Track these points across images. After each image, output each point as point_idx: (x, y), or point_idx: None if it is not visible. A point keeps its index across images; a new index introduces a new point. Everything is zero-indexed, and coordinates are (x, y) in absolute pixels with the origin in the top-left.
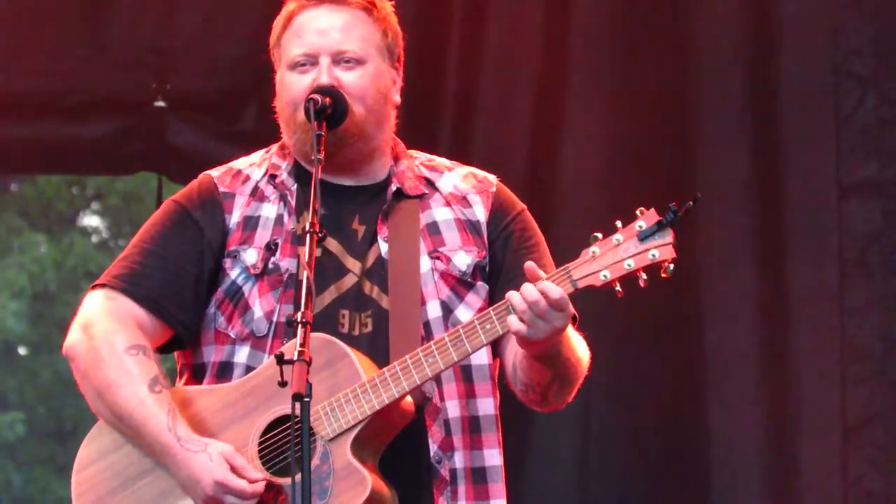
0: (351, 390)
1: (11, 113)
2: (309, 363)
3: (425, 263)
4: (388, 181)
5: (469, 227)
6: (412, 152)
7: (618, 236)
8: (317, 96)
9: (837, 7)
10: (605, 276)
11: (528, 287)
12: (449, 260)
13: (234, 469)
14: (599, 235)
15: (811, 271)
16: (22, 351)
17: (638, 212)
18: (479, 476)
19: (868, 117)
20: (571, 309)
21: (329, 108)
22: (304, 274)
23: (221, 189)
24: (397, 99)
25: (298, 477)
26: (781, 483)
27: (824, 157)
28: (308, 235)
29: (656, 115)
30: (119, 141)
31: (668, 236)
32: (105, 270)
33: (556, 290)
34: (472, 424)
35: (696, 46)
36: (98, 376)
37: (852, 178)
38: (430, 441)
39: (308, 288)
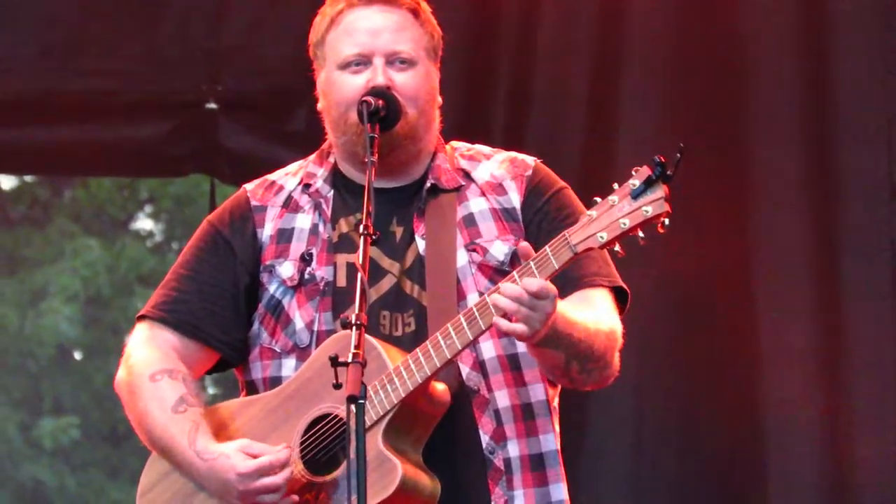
0: (379, 381)
1: (61, 115)
2: (364, 365)
3: (462, 257)
4: (424, 178)
5: (505, 215)
6: (454, 143)
7: (613, 197)
8: (370, 98)
9: (890, 4)
10: (602, 238)
11: (505, 286)
12: (486, 251)
13: (254, 457)
14: (598, 199)
15: (864, 270)
16: (76, 355)
17: (633, 171)
18: (536, 462)
19: None
20: (553, 290)
21: (382, 111)
22: (359, 276)
23: (253, 203)
24: (440, 99)
25: (338, 473)
26: (837, 477)
27: (876, 156)
28: (362, 238)
29: (710, 112)
30: (171, 143)
31: (659, 191)
32: (149, 299)
33: (534, 282)
34: (526, 412)
35: (750, 44)
36: (134, 408)
37: None
38: (481, 433)
39: (363, 290)
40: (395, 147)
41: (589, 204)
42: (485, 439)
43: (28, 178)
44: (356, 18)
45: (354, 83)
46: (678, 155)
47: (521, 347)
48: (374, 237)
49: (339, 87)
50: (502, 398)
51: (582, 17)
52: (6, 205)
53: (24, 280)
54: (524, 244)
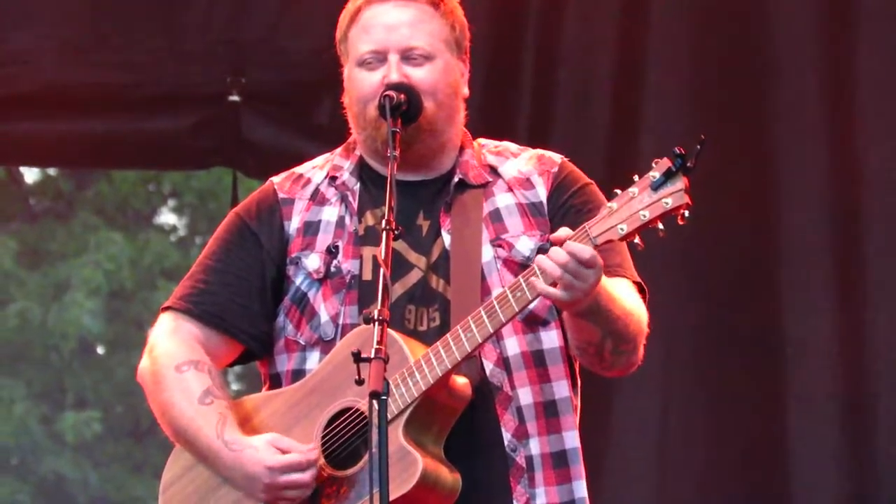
0: (399, 374)
1: (84, 107)
2: (386, 361)
3: (488, 252)
4: (451, 173)
5: (531, 210)
6: (482, 140)
7: (633, 189)
8: (392, 93)
9: None
10: (622, 230)
11: (555, 250)
12: (511, 247)
13: (283, 451)
14: (619, 191)
15: (889, 263)
16: (99, 349)
17: (653, 163)
18: (559, 459)
19: None
20: (600, 262)
21: (404, 105)
22: (381, 271)
23: (280, 195)
24: (466, 91)
25: (359, 467)
26: (861, 469)
27: None
28: (384, 233)
29: (734, 107)
30: (194, 135)
31: (679, 183)
32: (174, 291)
33: (585, 250)
34: (549, 409)
35: (774, 38)
36: (158, 398)
37: None
38: (503, 430)
39: (384, 285)
40: (416, 141)
41: (611, 198)
42: (507, 437)
43: (52, 172)
44: (373, 15)
45: (371, 80)
46: (698, 147)
47: (546, 344)
48: (396, 232)
49: (356, 84)
50: (525, 395)
51: (605, 14)
52: (30, 198)
53: (47, 273)
54: (556, 233)
